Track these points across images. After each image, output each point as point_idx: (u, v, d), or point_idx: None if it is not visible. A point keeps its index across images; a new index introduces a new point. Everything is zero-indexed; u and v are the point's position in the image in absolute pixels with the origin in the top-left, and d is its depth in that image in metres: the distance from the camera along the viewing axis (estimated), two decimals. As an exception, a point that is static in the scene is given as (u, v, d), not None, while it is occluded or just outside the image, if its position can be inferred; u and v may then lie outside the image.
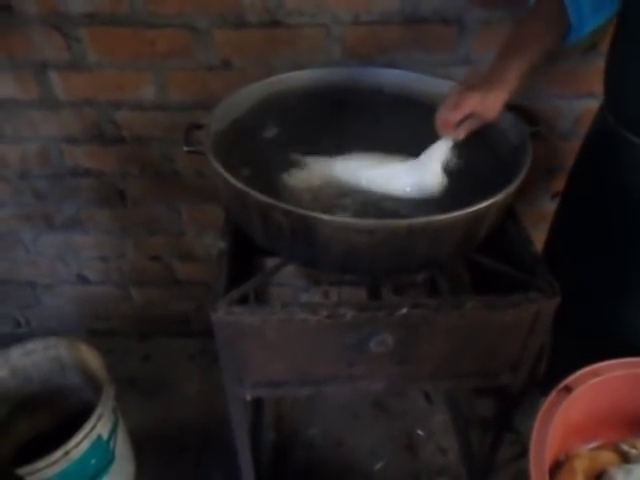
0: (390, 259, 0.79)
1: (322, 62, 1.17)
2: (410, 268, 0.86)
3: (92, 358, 1.20)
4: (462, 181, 0.90)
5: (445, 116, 0.87)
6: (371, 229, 0.73)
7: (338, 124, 1.03)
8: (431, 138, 0.91)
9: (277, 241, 0.83)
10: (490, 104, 0.85)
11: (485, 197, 0.76)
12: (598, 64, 1.19)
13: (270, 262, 1.02)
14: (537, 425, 0.86)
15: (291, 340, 0.87)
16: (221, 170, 0.80)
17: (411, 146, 0.93)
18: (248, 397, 0.95)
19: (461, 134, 0.88)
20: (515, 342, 0.91)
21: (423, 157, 0.91)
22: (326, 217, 0.73)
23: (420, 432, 1.46)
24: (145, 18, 1.12)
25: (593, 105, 1.08)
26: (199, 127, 0.94)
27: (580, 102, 1.26)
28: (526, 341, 0.90)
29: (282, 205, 0.74)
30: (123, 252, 1.53)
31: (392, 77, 1.09)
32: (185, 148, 0.91)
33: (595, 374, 0.92)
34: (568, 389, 0.91)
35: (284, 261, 0.91)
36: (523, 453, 1.29)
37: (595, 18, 0.88)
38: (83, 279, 1.59)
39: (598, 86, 1.22)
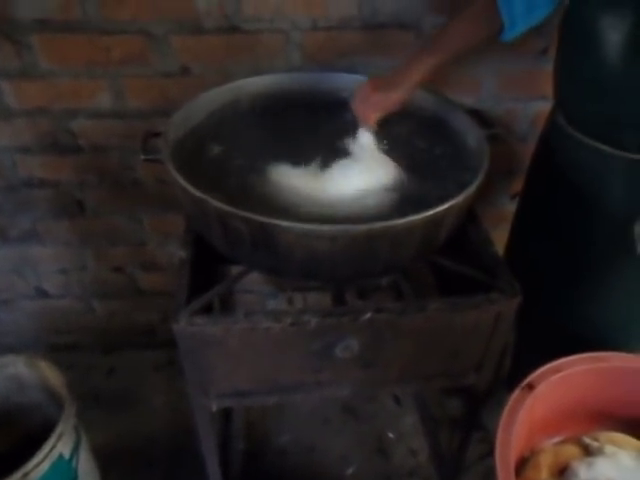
0: (352, 264, 0.79)
1: (281, 68, 1.17)
2: (372, 273, 0.86)
3: (52, 375, 1.16)
4: (422, 185, 0.91)
5: (355, 109, 0.97)
6: (332, 235, 0.73)
7: (297, 130, 1.03)
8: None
9: (238, 249, 0.83)
10: (392, 101, 0.93)
11: (444, 199, 0.77)
12: (549, 67, 1.23)
13: (234, 270, 1.01)
14: (502, 423, 0.87)
15: (255, 349, 0.86)
16: (179, 178, 0.79)
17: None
18: (214, 408, 0.94)
19: (373, 125, 0.96)
20: (478, 342, 0.92)
21: (357, 150, 0.95)
22: (286, 224, 0.72)
23: (390, 435, 1.46)
24: (99, 24, 1.10)
25: (546, 107, 1.11)
26: (157, 135, 0.92)
27: (534, 104, 1.29)
28: (489, 341, 0.92)
29: (241, 212, 0.74)
30: (83, 264, 1.49)
31: (350, 82, 1.09)
32: (142, 157, 0.89)
33: (557, 370, 0.93)
34: (531, 386, 0.92)
35: (246, 269, 0.90)
36: (492, 451, 1.31)
37: (527, 18, 0.90)
38: (42, 293, 1.55)
39: (550, 89, 1.27)
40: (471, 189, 0.81)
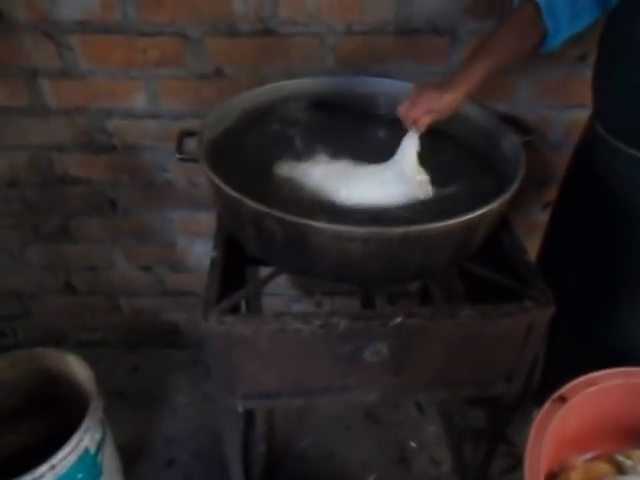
0: (384, 267, 0.78)
1: (315, 71, 1.17)
2: (404, 277, 0.85)
3: (80, 370, 1.18)
4: (456, 190, 0.90)
5: (405, 112, 0.90)
6: (365, 237, 0.73)
7: (330, 132, 1.04)
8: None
9: (270, 250, 0.83)
10: (445, 103, 0.87)
11: (480, 206, 0.76)
12: (587, 75, 1.21)
13: (263, 272, 1.01)
14: (532, 436, 0.84)
15: (284, 350, 0.86)
16: (214, 177, 0.79)
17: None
18: (240, 408, 0.94)
19: (421, 128, 0.91)
20: (510, 351, 0.90)
21: (397, 156, 0.93)
22: (319, 224, 0.72)
23: (413, 444, 1.44)
24: (137, 26, 1.12)
25: (582, 116, 1.09)
26: (191, 135, 0.93)
27: (570, 113, 1.27)
28: (521, 351, 0.90)
29: (275, 212, 0.74)
30: (113, 262, 1.51)
31: (386, 86, 1.09)
32: (177, 156, 0.90)
33: (590, 384, 0.91)
34: (563, 399, 0.90)
35: (277, 270, 0.90)
36: (517, 465, 1.28)
37: (571, 26, 0.90)
38: (71, 289, 1.57)
39: (587, 97, 1.24)
40: (507, 195, 0.79)
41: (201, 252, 1.49)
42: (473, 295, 1.04)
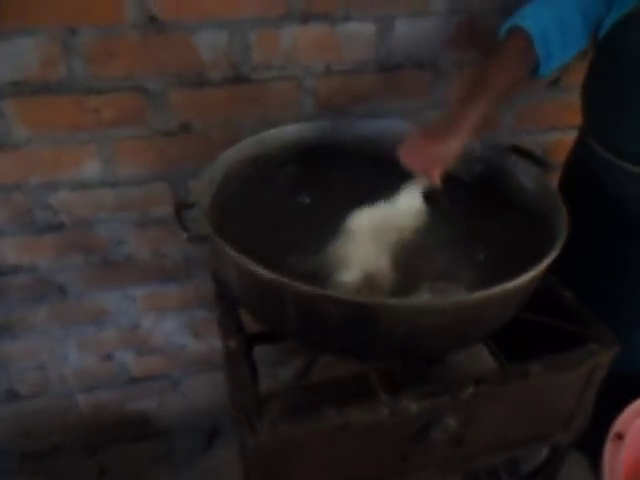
0: (458, 335, 0.68)
1: (293, 118, 1.06)
2: (475, 339, 0.76)
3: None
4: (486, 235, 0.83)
5: (411, 160, 0.84)
6: (444, 309, 0.63)
7: (329, 183, 0.93)
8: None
9: (317, 333, 0.70)
10: (453, 150, 0.82)
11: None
12: (560, 98, 1.22)
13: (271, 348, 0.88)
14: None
15: (339, 445, 0.73)
16: (244, 261, 0.65)
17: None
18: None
19: (437, 181, 0.84)
20: (571, 397, 0.84)
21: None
22: (394, 301, 0.62)
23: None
24: (86, 83, 0.95)
25: (556, 137, 1.09)
26: (189, 206, 0.79)
27: (545, 135, 1.27)
28: (582, 395, 0.84)
29: (337, 294, 0.62)
30: (65, 355, 1.28)
31: (374, 127, 1.01)
32: (185, 235, 0.74)
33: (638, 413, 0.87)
34: (620, 436, 0.85)
35: (316, 354, 0.77)
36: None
37: (563, 54, 0.88)
38: (14, 395, 1.31)
39: (560, 119, 1.25)
40: (562, 237, 0.73)
41: (170, 329, 1.30)
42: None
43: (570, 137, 1.13)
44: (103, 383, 1.35)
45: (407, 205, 0.85)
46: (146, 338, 1.31)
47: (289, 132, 0.98)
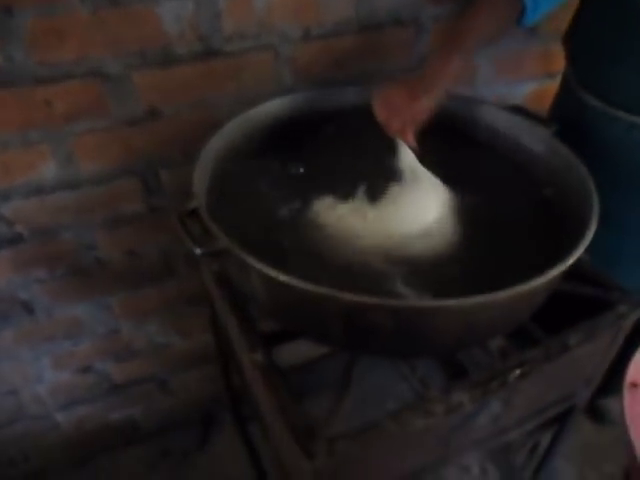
0: (510, 321, 0.65)
1: (271, 91, 0.96)
2: (524, 320, 0.72)
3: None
4: (485, 203, 0.80)
5: (385, 119, 0.80)
6: (501, 302, 0.59)
7: (322, 160, 0.85)
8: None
9: (366, 338, 0.64)
10: (427, 106, 0.78)
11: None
12: (537, 46, 1.18)
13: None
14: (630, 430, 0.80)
15: (393, 449, 0.69)
16: (286, 278, 0.57)
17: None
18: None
19: (412, 143, 0.80)
20: (598, 357, 0.84)
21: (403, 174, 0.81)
22: (452, 302, 0.56)
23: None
24: (32, 72, 0.80)
25: (533, 87, 1.05)
26: (193, 213, 0.69)
27: (522, 86, 1.23)
28: (608, 353, 0.84)
29: (392, 302, 0.56)
30: (38, 376, 1.15)
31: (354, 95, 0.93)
32: (198, 251, 0.64)
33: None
34: (635, 384, 0.87)
35: (355, 356, 0.71)
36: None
37: (549, 1, 0.83)
38: (-16, 426, 1.18)
39: (538, 68, 1.22)
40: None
41: (153, 330, 1.20)
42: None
43: (551, 86, 1.11)
44: (83, 397, 1.24)
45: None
46: (127, 344, 1.20)
47: (276, 107, 0.89)
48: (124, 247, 1.05)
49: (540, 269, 0.59)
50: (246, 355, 0.73)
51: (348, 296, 0.55)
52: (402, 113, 0.78)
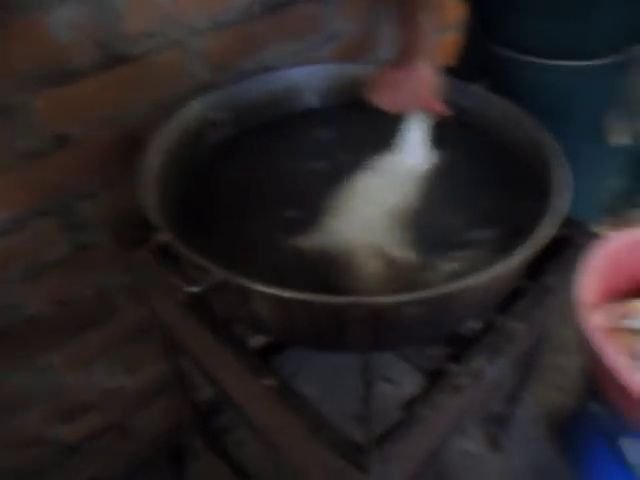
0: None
1: (188, 89, 0.87)
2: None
3: None
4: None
5: (388, 100, 0.78)
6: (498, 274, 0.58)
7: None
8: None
9: (381, 338, 0.61)
10: (428, 72, 0.77)
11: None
12: None
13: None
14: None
15: (430, 434, 0.68)
16: (296, 295, 0.52)
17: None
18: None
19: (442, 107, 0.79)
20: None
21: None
22: (466, 283, 0.55)
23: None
24: None
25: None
26: (169, 247, 0.60)
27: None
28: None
29: (424, 294, 0.53)
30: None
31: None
32: (188, 289, 0.55)
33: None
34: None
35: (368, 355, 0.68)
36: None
37: None
38: None
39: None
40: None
41: (102, 378, 1.07)
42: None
43: (446, 39, 1.12)
44: (33, 473, 1.08)
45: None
46: (77, 399, 1.06)
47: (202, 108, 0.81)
48: (54, 296, 0.91)
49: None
50: (251, 383, 0.67)
51: (381, 299, 0.52)
52: (408, 85, 0.76)
